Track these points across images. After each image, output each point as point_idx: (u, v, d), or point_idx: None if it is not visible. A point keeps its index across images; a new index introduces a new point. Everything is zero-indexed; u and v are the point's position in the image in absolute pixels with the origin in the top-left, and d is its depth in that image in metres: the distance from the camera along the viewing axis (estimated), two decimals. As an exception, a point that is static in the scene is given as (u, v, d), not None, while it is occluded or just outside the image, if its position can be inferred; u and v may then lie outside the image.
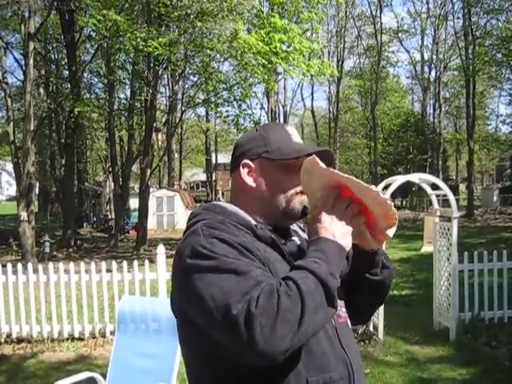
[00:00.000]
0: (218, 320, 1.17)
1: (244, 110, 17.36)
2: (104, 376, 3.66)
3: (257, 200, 1.47)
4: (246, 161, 1.48)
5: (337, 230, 1.31)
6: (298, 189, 1.45)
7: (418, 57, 41.04)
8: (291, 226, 1.56)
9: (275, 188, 1.45)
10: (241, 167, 1.48)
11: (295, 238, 1.53)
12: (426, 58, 39.51)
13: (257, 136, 1.52)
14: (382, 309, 6.17)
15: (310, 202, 1.44)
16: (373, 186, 1.31)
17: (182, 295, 1.32)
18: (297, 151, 1.46)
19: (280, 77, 28.59)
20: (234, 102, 17.10)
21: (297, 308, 1.15)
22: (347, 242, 1.33)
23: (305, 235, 1.57)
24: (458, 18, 31.98)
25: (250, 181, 1.47)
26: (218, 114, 18.77)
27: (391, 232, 1.37)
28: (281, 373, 1.26)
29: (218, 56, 15.94)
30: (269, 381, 1.26)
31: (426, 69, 39.85)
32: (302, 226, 1.62)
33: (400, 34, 38.17)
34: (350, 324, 1.51)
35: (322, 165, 1.33)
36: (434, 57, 38.23)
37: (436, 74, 38.22)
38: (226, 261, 1.23)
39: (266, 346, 1.12)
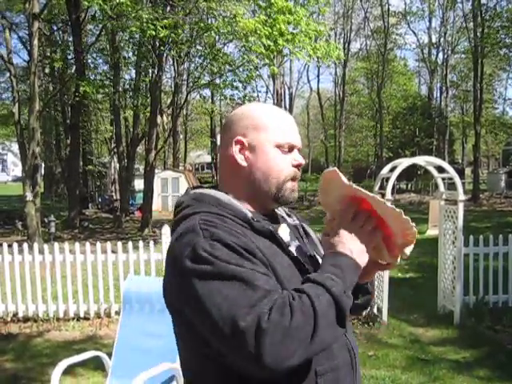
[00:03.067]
0: (223, 332, 1.12)
1: (249, 92, 17.28)
2: (109, 355, 3.68)
3: (247, 182, 1.41)
4: (239, 137, 1.41)
5: (355, 247, 1.27)
6: (291, 174, 1.42)
7: (425, 39, 40.68)
8: (277, 211, 1.52)
9: (267, 169, 1.40)
10: (233, 144, 1.41)
11: (284, 225, 1.48)
12: (433, 40, 39.16)
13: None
14: (386, 291, 6.19)
15: (327, 212, 1.39)
16: (393, 206, 1.27)
17: (180, 297, 1.24)
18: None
19: (286, 59, 28.41)
20: (240, 84, 17.02)
21: (309, 326, 1.11)
22: (363, 260, 1.29)
23: (291, 221, 1.53)
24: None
25: (240, 159, 1.41)
26: (222, 97, 18.70)
27: (408, 250, 1.34)
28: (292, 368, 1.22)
29: (223, 36, 15.81)
30: (280, 377, 1.20)
31: (434, 52, 39.52)
32: (287, 211, 1.57)
33: (408, 17, 37.75)
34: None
35: (343, 178, 1.29)
36: (442, 39, 37.84)
37: (443, 56, 37.88)
38: (228, 267, 1.17)
39: (273, 362, 1.09)
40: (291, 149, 1.43)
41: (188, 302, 1.20)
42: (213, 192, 1.41)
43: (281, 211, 1.54)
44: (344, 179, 1.28)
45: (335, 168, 1.32)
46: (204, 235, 1.22)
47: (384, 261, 1.39)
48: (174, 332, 1.41)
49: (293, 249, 1.38)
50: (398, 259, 1.38)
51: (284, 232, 1.44)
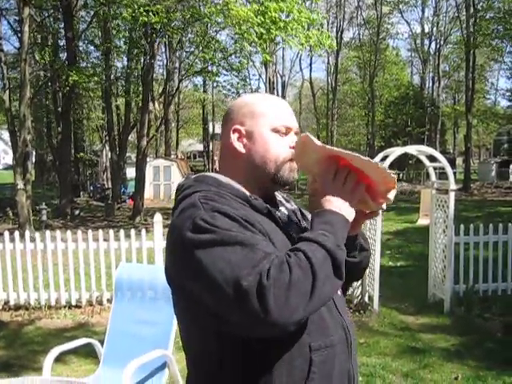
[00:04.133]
0: (228, 294, 1.14)
1: (242, 79, 17.23)
2: (101, 342, 3.68)
3: (246, 167, 1.45)
4: (237, 126, 1.46)
5: (340, 202, 1.31)
6: (288, 155, 1.44)
7: (418, 29, 40.66)
8: (276, 197, 1.56)
9: (265, 153, 1.43)
10: (231, 132, 1.46)
11: (282, 208, 1.53)
12: (426, 30, 39.16)
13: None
14: (377, 280, 6.22)
15: (308, 176, 1.43)
16: (368, 158, 1.30)
17: (184, 272, 1.26)
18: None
19: (278, 47, 28.28)
20: (233, 72, 16.96)
21: (308, 279, 1.15)
22: (351, 214, 1.33)
23: (289, 206, 1.57)
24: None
25: (239, 146, 1.45)
26: (215, 84, 18.65)
27: (392, 195, 1.37)
28: (285, 340, 1.26)
29: (215, 24, 15.73)
30: (274, 349, 1.27)
31: (426, 41, 39.52)
32: (285, 196, 1.61)
33: (400, 6, 37.67)
34: (340, 290, 1.53)
35: (316, 141, 1.32)
36: (435, 29, 37.83)
37: (436, 46, 37.91)
38: (230, 234, 1.20)
39: (279, 316, 1.11)
40: (288, 131, 1.46)
41: (192, 273, 1.22)
42: (213, 174, 1.45)
43: (279, 196, 1.57)
44: (317, 142, 1.32)
45: (307, 133, 1.35)
46: (204, 208, 1.26)
47: (369, 209, 1.44)
48: (175, 313, 1.42)
49: (290, 229, 1.41)
50: (384, 206, 1.42)
51: (282, 214, 1.48)
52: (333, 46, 15.98)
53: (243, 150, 1.45)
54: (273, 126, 1.44)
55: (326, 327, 1.33)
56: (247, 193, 1.39)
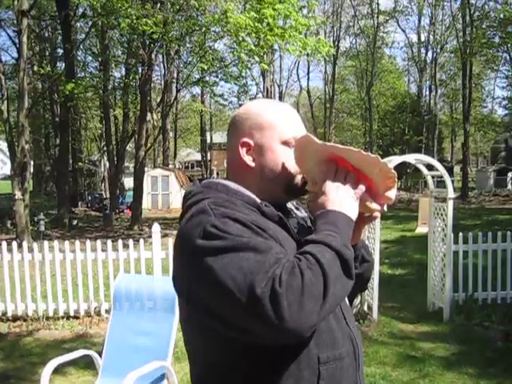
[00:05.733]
0: (241, 301, 1.12)
1: (243, 85, 17.29)
2: (100, 354, 3.67)
3: (257, 180, 1.42)
4: (245, 139, 1.42)
5: (343, 202, 1.30)
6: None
7: (414, 38, 40.83)
8: (287, 205, 1.53)
9: (276, 167, 1.41)
10: (239, 146, 1.42)
11: (293, 216, 1.50)
12: (422, 38, 39.35)
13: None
14: (376, 289, 6.21)
15: (307, 178, 1.42)
16: (368, 153, 1.30)
17: (194, 281, 1.22)
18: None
19: (276, 56, 28.36)
20: (231, 81, 17.01)
21: (320, 282, 1.13)
22: (354, 212, 1.32)
23: (300, 213, 1.54)
24: (455, -1, 31.79)
25: (249, 160, 1.42)
26: (211, 94, 18.71)
27: (392, 194, 1.37)
28: (293, 352, 1.24)
29: (213, 34, 15.79)
30: (282, 360, 1.25)
31: (423, 50, 39.71)
32: (295, 204, 1.58)
33: (397, 14, 37.86)
34: (348, 301, 1.52)
35: (317, 140, 1.32)
36: (431, 38, 38.01)
37: (432, 55, 38.08)
38: (241, 240, 1.18)
39: (295, 322, 1.10)
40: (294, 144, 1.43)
41: (203, 281, 1.19)
42: (222, 181, 1.42)
43: (289, 204, 1.55)
44: (318, 141, 1.32)
45: (307, 133, 1.35)
46: (215, 214, 1.24)
47: (369, 212, 1.42)
48: (181, 324, 1.40)
49: (301, 237, 1.38)
50: (385, 207, 1.41)
51: (293, 222, 1.46)
52: (331, 51, 16.00)
53: (253, 164, 1.42)
54: (282, 138, 1.42)
55: (334, 339, 1.31)
56: (257, 200, 1.36)
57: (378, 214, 1.42)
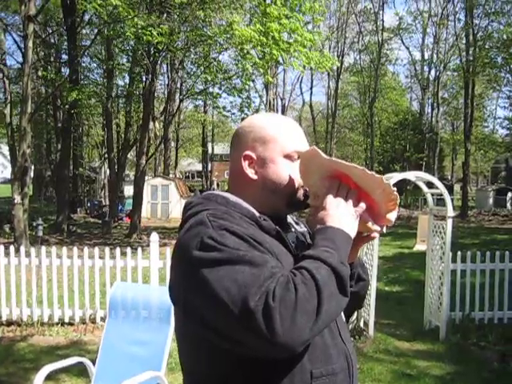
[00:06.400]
0: (234, 314, 1.13)
1: (246, 98, 17.36)
2: (93, 362, 3.65)
3: (259, 192, 1.42)
4: (248, 152, 1.43)
5: (342, 218, 1.30)
6: (301, 182, 1.43)
7: (417, 55, 41.04)
8: (287, 219, 1.54)
9: (278, 180, 1.42)
10: (242, 158, 1.43)
11: (292, 230, 1.51)
12: (426, 56, 39.53)
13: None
14: (373, 305, 6.18)
15: (310, 192, 1.42)
16: (373, 172, 1.30)
17: (189, 291, 1.23)
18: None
19: (280, 69, 28.47)
20: (235, 93, 17.07)
21: (314, 298, 1.14)
22: (353, 230, 1.32)
23: (299, 228, 1.55)
24: (459, 19, 31.96)
25: (251, 173, 1.43)
26: (215, 105, 18.77)
27: (393, 216, 1.37)
28: (286, 366, 1.24)
29: (218, 46, 15.87)
30: (275, 373, 1.24)
31: (426, 68, 39.88)
32: (295, 219, 1.59)
33: (401, 32, 38.08)
34: (344, 318, 1.51)
35: (323, 154, 1.32)
36: (435, 56, 38.18)
37: (435, 73, 38.21)
38: (238, 253, 1.19)
39: (286, 337, 1.10)
40: (300, 156, 1.44)
41: (198, 292, 1.20)
42: (222, 193, 1.43)
43: (289, 218, 1.55)
44: (323, 155, 1.32)
45: (313, 146, 1.35)
46: (213, 226, 1.25)
47: (369, 232, 1.42)
48: (176, 333, 1.40)
49: (299, 252, 1.39)
50: (384, 229, 1.41)
51: (291, 236, 1.46)
52: (335, 63, 16.06)
53: (255, 177, 1.43)
54: (285, 152, 1.43)
55: (328, 355, 1.31)
56: (256, 213, 1.37)
57: (376, 235, 1.42)
